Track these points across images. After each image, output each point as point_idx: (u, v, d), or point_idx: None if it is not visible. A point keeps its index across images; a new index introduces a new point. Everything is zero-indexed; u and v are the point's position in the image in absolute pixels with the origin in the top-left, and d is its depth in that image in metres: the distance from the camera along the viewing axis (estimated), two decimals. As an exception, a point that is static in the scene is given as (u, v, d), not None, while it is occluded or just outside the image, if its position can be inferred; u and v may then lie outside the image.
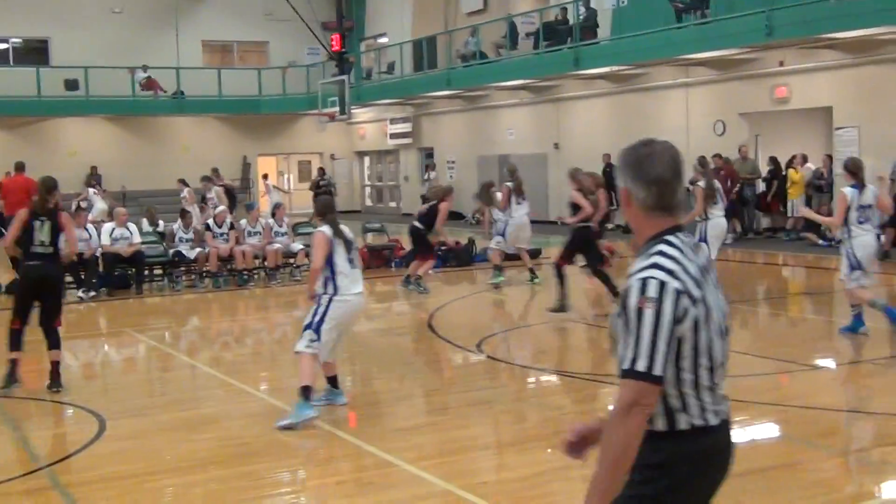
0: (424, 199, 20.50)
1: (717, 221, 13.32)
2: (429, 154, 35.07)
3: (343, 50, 33.32)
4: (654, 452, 3.11)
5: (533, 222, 17.02)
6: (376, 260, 19.20)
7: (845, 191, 10.66)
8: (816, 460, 6.72)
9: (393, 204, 37.68)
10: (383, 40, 37.03)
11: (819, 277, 16.10)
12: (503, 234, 16.31)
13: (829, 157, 20.98)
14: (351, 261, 8.05)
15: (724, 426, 3.21)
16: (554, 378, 9.97)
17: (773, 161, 22.49)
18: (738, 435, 7.43)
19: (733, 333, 11.10)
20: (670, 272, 3.04)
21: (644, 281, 3.03)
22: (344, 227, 8.16)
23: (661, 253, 3.09)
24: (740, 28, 20.11)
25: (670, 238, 3.13)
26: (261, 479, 6.64)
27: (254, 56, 39.84)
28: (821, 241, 20.06)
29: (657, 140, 3.22)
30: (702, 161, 14.25)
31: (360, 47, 38.26)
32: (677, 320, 3.01)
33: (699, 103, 23.96)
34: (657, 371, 2.99)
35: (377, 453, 7.10)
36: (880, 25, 18.20)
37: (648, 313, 2.99)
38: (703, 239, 13.36)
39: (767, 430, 7.77)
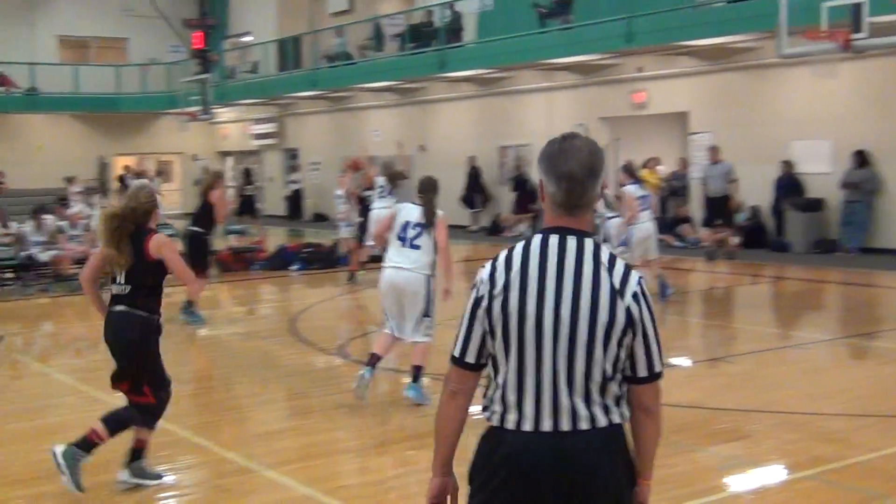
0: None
1: (643, 225, 13.71)
2: (293, 155, 34.75)
3: (205, 48, 32.76)
4: (478, 445, 3.10)
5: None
6: (238, 263, 18.86)
7: (629, 188, 13.33)
8: (665, 456, 6.86)
9: (258, 205, 37.16)
10: (247, 39, 36.53)
11: (675, 278, 16.54)
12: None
13: (684, 161, 21.69)
14: (402, 238, 8.27)
15: (534, 436, 2.93)
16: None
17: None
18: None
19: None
20: (493, 261, 3.06)
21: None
22: (416, 207, 8.29)
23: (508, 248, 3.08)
24: (602, 34, 20.57)
25: (533, 236, 3.05)
26: (114, 488, 6.44)
27: (112, 53, 38.73)
28: (677, 243, 20.65)
29: (580, 136, 3.08)
30: (627, 168, 14.01)
31: (224, 45, 37.65)
32: (476, 304, 3.03)
33: (562, 107, 24.39)
34: (455, 352, 3.08)
35: (236, 459, 6.98)
36: (734, 34, 18.89)
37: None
38: (629, 243, 13.58)
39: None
